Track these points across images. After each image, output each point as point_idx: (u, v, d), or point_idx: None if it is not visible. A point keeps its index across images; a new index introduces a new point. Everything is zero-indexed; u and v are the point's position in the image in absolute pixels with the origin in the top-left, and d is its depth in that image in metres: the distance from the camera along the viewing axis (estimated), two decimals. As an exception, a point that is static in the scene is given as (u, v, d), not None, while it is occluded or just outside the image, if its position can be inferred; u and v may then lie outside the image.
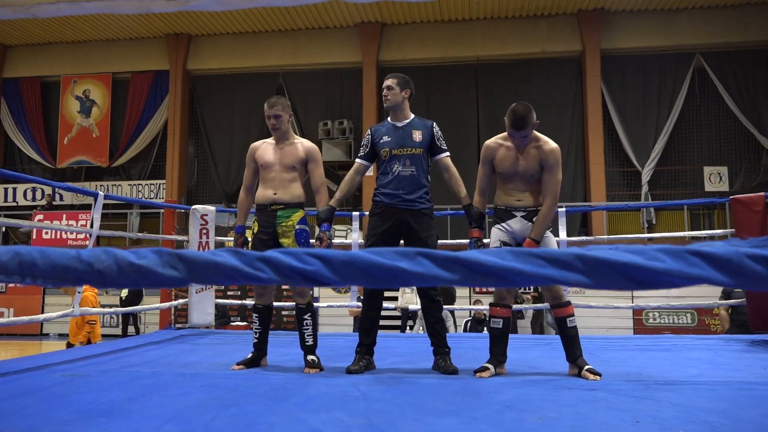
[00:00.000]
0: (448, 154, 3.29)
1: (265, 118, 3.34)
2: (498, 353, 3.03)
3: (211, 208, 4.78)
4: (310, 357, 3.14)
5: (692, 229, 11.54)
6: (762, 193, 4.17)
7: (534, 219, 3.04)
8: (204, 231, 4.66)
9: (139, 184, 13.96)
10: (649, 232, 11.69)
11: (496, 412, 2.16)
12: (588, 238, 5.62)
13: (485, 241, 3.32)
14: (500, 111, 12.50)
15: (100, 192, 3.62)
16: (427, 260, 0.63)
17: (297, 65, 13.39)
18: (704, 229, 11.63)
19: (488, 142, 3.20)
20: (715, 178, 12.00)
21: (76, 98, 14.33)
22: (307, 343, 3.19)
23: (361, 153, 3.35)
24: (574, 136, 12.41)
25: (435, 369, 3.11)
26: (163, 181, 13.68)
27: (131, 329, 10.93)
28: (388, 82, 3.29)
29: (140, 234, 4.65)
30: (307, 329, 3.21)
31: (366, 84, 12.88)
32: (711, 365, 3.34)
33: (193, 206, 4.75)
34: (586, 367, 2.90)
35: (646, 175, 12.11)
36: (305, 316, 3.23)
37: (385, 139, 3.25)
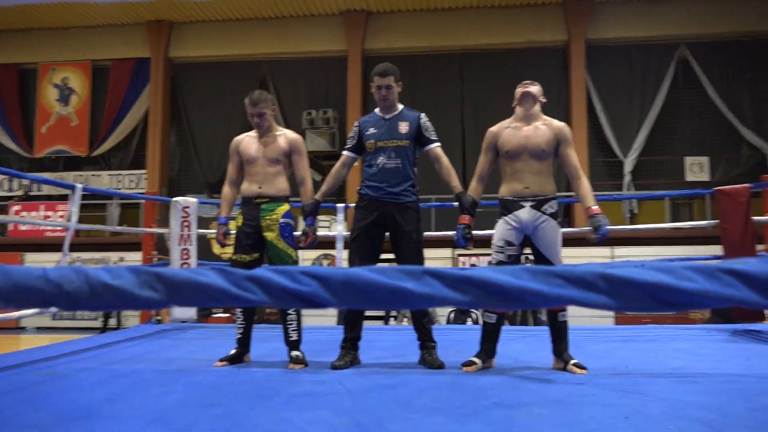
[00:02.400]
0: (438, 144, 3.23)
1: (245, 108, 3.26)
2: (488, 348, 3.00)
3: (192, 200, 4.69)
4: (294, 353, 3.10)
5: (673, 219, 11.64)
6: (747, 185, 4.19)
7: (542, 208, 2.94)
8: (185, 223, 4.57)
9: (119, 174, 13.73)
10: (631, 222, 11.77)
11: (484, 408, 2.13)
12: (574, 230, 5.62)
13: (477, 232, 3.23)
14: (485, 101, 12.47)
15: (77, 184, 3.53)
16: (436, 280, 0.58)
17: (281, 54, 13.22)
18: (684, 219, 11.72)
19: (491, 128, 3.15)
20: (696, 169, 12.09)
21: (54, 86, 14.03)
22: (291, 339, 3.15)
23: (348, 145, 3.29)
24: (558, 126, 12.40)
25: (421, 363, 3.08)
26: (144, 171, 13.47)
27: (112, 322, 10.80)
28: (388, 80, 3.13)
29: (120, 227, 4.54)
30: (292, 324, 3.16)
31: (351, 73, 12.75)
32: (695, 356, 3.35)
33: (175, 198, 4.66)
34: (572, 361, 2.89)
35: (629, 165, 12.18)
36: (289, 311, 3.18)
37: (372, 131, 3.20)
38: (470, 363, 2.93)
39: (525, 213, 2.94)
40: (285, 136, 3.31)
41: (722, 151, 12.24)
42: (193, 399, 2.28)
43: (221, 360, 3.08)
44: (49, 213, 12.48)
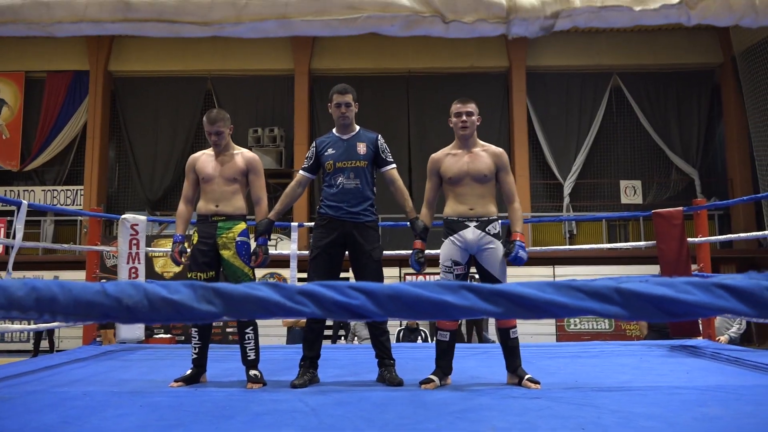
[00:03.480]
0: (394, 166, 3.31)
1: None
2: (444, 365, 3.06)
3: (141, 217, 4.58)
4: (252, 372, 3.06)
5: (609, 239, 12.19)
6: (680, 208, 4.46)
7: (486, 228, 3.04)
8: (134, 241, 4.45)
9: (54, 190, 13.17)
10: (570, 243, 12.22)
11: (448, 423, 2.18)
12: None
13: (427, 252, 3.30)
14: (430, 122, 12.74)
15: (23, 201, 3.39)
16: (472, 294, 0.63)
17: (227, 70, 13.09)
18: (620, 239, 12.29)
19: (433, 155, 3.24)
20: (630, 191, 12.73)
21: (-17, 97, 13.38)
22: (249, 358, 3.11)
23: (305, 165, 3.32)
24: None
25: (380, 381, 3.10)
26: (81, 187, 12.98)
27: (44, 344, 10.26)
28: (347, 98, 3.20)
29: (65, 245, 4.38)
30: (249, 343, 3.14)
31: (298, 92, 12.77)
32: (639, 371, 3.52)
33: (123, 216, 4.53)
34: (527, 376, 2.98)
35: (567, 188, 12.69)
36: (247, 330, 3.15)
37: (330, 151, 3.24)
38: (428, 381, 2.98)
39: (470, 233, 3.03)
40: (242, 155, 3.30)
41: (653, 175, 12.96)
42: (153, 420, 2.23)
43: (177, 380, 3.01)
44: (-24, 230, 11.80)
